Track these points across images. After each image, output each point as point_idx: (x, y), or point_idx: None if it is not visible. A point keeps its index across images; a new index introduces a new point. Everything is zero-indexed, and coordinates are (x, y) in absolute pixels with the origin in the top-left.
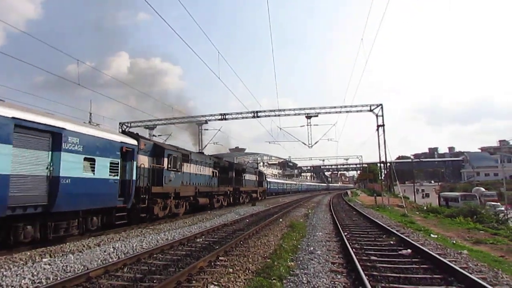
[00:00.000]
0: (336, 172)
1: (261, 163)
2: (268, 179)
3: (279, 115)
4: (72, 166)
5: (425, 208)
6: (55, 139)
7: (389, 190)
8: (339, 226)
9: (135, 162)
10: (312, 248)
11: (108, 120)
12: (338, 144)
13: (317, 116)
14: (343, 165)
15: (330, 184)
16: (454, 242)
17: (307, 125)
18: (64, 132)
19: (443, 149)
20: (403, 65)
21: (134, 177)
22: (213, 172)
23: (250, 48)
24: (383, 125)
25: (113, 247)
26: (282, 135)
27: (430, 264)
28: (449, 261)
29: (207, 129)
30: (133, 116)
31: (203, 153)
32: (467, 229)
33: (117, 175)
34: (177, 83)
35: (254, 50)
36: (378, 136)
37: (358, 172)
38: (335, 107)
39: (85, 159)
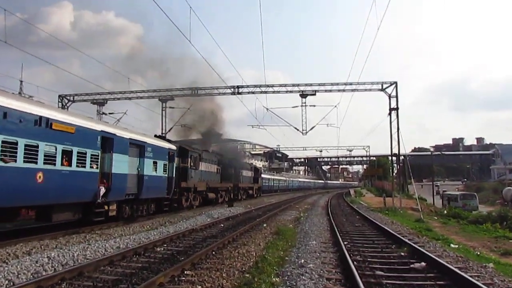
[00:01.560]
0: (337, 166)
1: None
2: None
3: (266, 92)
4: (148, 167)
5: (445, 212)
6: (141, 150)
7: (402, 189)
8: (338, 234)
9: (174, 163)
10: (303, 261)
11: (44, 91)
12: (339, 131)
13: (314, 94)
14: (346, 157)
15: (329, 181)
16: (478, 253)
17: (302, 105)
18: (146, 145)
19: (469, 140)
20: (422, 34)
21: (174, 175)
22: (217, 169)
23: (232, 5)
24: (397, 109)
25: (47, 257)
26: (269, 117)
27: (448, 280)
28: (471, 276)
29: (172, 107)
30: (77, 87)
31: (208, 151)
32: (494, 238)
33: (166, 173)
34: (136, 46)
35: (237, 8)
36: (391, 122)
37: (364, 166)
38: (337, 84)
39: (153, 162)
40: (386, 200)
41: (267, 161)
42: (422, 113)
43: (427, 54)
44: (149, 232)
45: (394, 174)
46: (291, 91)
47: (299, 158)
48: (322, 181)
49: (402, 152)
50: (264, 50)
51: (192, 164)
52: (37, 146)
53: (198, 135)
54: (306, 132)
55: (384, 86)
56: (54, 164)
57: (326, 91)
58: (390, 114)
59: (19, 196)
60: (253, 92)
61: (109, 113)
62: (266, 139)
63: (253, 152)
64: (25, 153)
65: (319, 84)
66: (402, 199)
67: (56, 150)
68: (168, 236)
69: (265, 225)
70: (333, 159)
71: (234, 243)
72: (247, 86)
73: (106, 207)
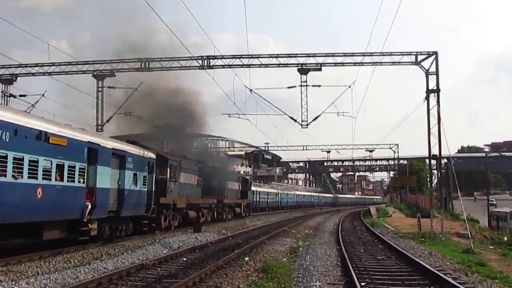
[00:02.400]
0: (352, 173)
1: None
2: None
3: (249, 66)
4: (128, 180)
5: (505, 238)
6: (122, 161)
7: (445, 207)
8: (353, 271)
9: (154, 175)
10: None
11: None
12: (355, 123)
13: (319, 69)
14: (364, 160)
15: (340, 195)
16: None
17: (301, 85)
18: (126, 155)
19: None
20: None
21: (153, 188)
22: (197, 180)
23: None
24: (438, 91)
25: None
26: (254, 103)
27: None
28: None
29: (112, 87)
30: None
31: (187, 157)
32: None
33: (146, 187)
34: None
35: None
36: (428, 110)
37: (391, 174)
38: (352, 55)
39: (133, 174)
40: (421, 222)
41: (250, 166)
42: (472, 97)
43: (478, 13)
44: (77, 270)
45: (433, 184)
46: (285, 65)
47: (297, 162)
48: (330, 195)
49: (445, 153)
50: (247, 3)
51: (171, 175)
52: (37, 161)
53: (150, 127)
54: (308, 124)
55: (420, 58)
56: (50, 179)
57: (336, 64)
58: (427, 98)
59: (23, 212)
60: (230, 66)
61: (20, 96)
62: (250, 134)
63: (230, 153)
64: (29, 169)
65: (326, 55)
66: (445, 221)
67: (51, 164)
68: (106, 275)
69: (247, 258)
70: (347, 163)
71: (201, 287)
72: (222, 57)
73: (89, 226)
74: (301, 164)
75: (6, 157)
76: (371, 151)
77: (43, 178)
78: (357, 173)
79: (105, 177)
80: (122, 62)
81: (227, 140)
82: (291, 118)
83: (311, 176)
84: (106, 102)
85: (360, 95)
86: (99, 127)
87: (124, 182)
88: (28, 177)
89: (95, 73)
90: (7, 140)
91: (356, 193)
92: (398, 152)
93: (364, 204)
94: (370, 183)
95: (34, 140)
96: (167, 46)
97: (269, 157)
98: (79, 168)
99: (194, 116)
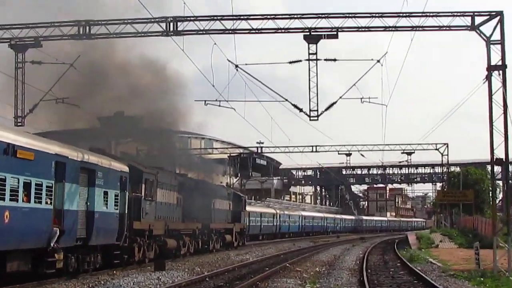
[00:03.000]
0: (382, 186)
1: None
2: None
3: (234, 31)
4: (99, 201)
5: None
6: (91, 176)
7: None
8: None
9: (126, 193)
10: None
11: None
12: (386, 113)
13: (335, 36)
14: (401, 167)
15: (365, 217)
16: None
17: (309, 60)
18: (97, 169)
19: None
20: None
21: (126, 210)
22: (177, 198)
23: None
24: (504, 67)
25: None
26: (242, 85)
27: None
28: None
29: (38, 63)
30: None
31: (167, 170)
32: None
33: (118, 209)
34: None
35: None
36: (490, 95)
37: (438, 187)
38: (381, 15)
39: (104, 193)
40: (480, 255)
41: (236, 176)
42: None
43: None
44: None
45: (497, 201)
46: (286, 30)
47: (304, 170)
48: (351, 217)
49: None
50: None
51: (146, 192)
52: (5, 180)
53: (92, 120)
54: (318, 116)
55: (478, 20)
56: (17, 201)
57: (358, 29)
58: (489, 78)
59: None
60: (206, 31)
61: None
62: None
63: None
64: None
65: (344, 15)
66: None
67: (18, 183)
68: None
69: None
70: (375, 171)
71: None
72: (195, 19)
73: (56, 256)
74: (310, 172)
75: None
76: (409, 153)
77: (10, 199)
78: (389, 186)
79: (73, 197)
80: (52, 27)
81: (202, 138)
82: (295, 106)
83: (323, 190)
84: (29, 84)
85: (393, 73)
86: (19, 120)
87: (93, 202)
88: None
89: (12, 42)
90: None
91: (388, 214)
92: (447, 155)
93: (400, 229)
94: (408, 200)
95: (2, 154)
96: (117, 4)
97: (263, 162)
98: (46, 186)
99: (161, 105)
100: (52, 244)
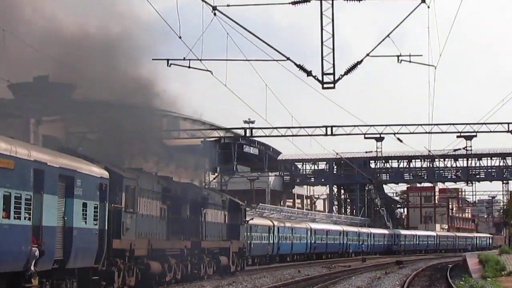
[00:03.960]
0: (429, 185)
1: None
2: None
3: None
4: (77, 215)
5: None
6: (68, 185)
7: None
8: None
9: (106, 203)
10: None
11: None
12: (435, 78)
13: None
14: (456, 158)
15: (404, 232)
16: None
17: None
18: (76, 176)
19: None
20: None
21: (109, 226)
22: (161, 209)
23: None
24: None
25: None
26: (223, 37)
27: None
28: None
29: None
30: None
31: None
32: None
33: (97, 224)
34: None
35: None
36: None
37: (510, 185)
38: None
39: (83, 204)
40: None
41: (215, 170)
42: None
43: None
44: None
45: None
46: None
47: (314, 162)
48: (384, 231)
49: None
50: None
51: (127, 203)
52: None
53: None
54: (335, 82)
55: None
56: None
57: None
58: None
59: None
60: None
61: None
62: (214, 102)
63: (175, 142)
64: None
65: None
66: None
67: None
68: None
69: None
70: (418, 163)
71: None
72: None
73: (33, 282)
74: (322, 165)
75: None
76: (468, 137)
77: None
78: (439, 185)
79: (52, 211)
80: None
81: (164, 116)
82: (301, 68)
83: (342, 192)
84: None
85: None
86: None
87: (71, 217)
88: None
89: None
90: None
91: (437, 226)
92: None
93: (455, 249)
94: (468, 206)
95: None
96: None
97: (254, 150)
98: (25, 199)
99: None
100: (32, 268)
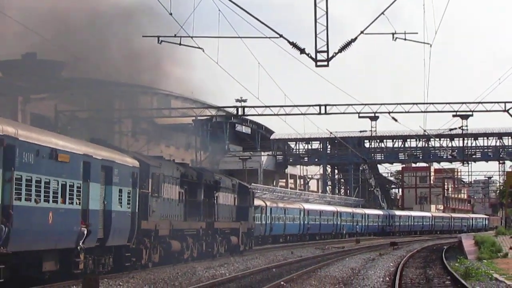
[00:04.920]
0: (424, 166)
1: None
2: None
3: None
4: (115, 199)
5: None
6: (108, 174)
7: None
8: None
9: (137, 190)
10: None
11: None
12: (430, 56)
13: None
14: (452, 137)
15: (399, 212)
16: None
17: None
18: (114, 166)
19: None
20: None
21: (138, 209)
22: (179, 193)
23: None
24: None
25: None
26: (214, 13)
27: None
28: None
29: None
30: None
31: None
32: None
33: (130, 207)
34: None
35: None
36: None
37: (507, 165)
38: None
39: (119, 191)
40: None
41: (207, 149)
42: None
43: None
44: None
45: None
46: None
47: (307, 141)
48: (378, 212)
49: None
50: None
51: (153, 188)
52: (49, 183)
53: None
54: (329, 60)
55: None
56: (57, 202)
57: None
58: None
59: (40, 239)
60: None
61: None
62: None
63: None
64: (45, 192)
65: None
66: None
67: (58, 184)
68: None
69: None
70: (413, 143)
71: None
72: None
73: (80, 257)
74: (316, 145)
75: (31, 180)
76: (464, 117)
77: (52, 201)
78: (434, 165)
79: (96, 197)
80: None
81: (155, 94)
82: (294, 45)
83: (336, 172)
84: None
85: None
86: None
87: (110, 201)
88: (44, 201)
89: None
90: (32, 162)
91: (433, 207)
92: None
93: (450, 230)
94: (463, 187)
95: (48, 159)
96: None
97: (246, 129)
98: (76, 187)
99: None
100: (80, 245)
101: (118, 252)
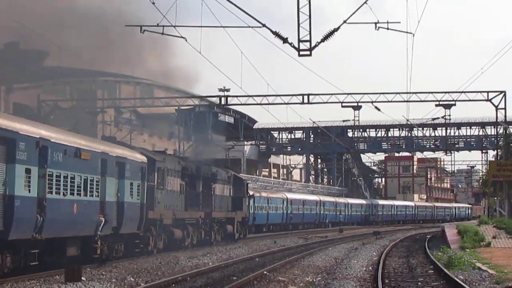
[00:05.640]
0: (408, 155)
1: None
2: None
3: None
4: (127, 192)
5: None
6: (121, 169)
7: None
8: None
9: (146, 183)
10: None
11: None
12: (413, 46)
13: None
14: (435, 126)
15: (382, 202)
16: None
17: None
18: (126, 162)
19: None
20: None
21: (146, 200)
22: (180, 185)
23: None
24: None
25: None
26: (198, 2)
27: None
28: None
29: None
30: None
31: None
32: None
33: (139, 199)
34: None
35: None
36: None
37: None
38: None
39: (130, 184)
40: None
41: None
42: None
43: None
44: None
45: None
46: None
47: (290, 131)
48: (361, 201)
49: None
50: None
51: (159, 181)
52: (74, 178)
53: None
54: (312, 49)
55: None
56: (80, 195)
57: None
58: None
59: (67, 227)
60: None
61: None
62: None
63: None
64: (71, 186)
65: None
66: None
67: (81, 179)
68: None
69: None
70: (396, 132)
71: None
72: None
73: (98, 243)
74: (299, 134)
75: (60, 176)
76: (447, 106)
77: (76, 194)
78: (418, 155)
79: (111, 190)
80: None
81: (137, 83)
82: (276, 35)
83: (319, 161)
84: None
85: None
86: None
87: (123, 194)
88: (71, 194)
89: None
90: (61, 160)
91: (416, 196)
92: (505, 108)
93: (433, 219)
94: (446, 176)
95: (73, 157)
96: None
97: (229, 119)
98: (96, 181)
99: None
100: (99, 232)
101: (129, 239)
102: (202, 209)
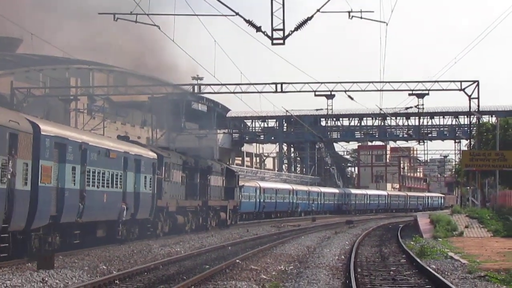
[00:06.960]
0: (381, 144)
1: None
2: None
3: None
4: (142, 184)
5: None
6: (137, 165)
7: None
8: None
9: (156, 176)
10: None
11: None
12: (386, 35)
13: None
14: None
15: (355, 191)
16: None
17: None
18: (141, 159)
19: None
20: None
21: (155, 191)
22: (182, 177)
23: None
24: None
25: None
26: None
27: None
28: None
29: None
30: None
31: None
32: None
33: (151, 190)
34: None
35: None
36: None
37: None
38: None
39: (144, 177)
40: None
41: (162, 127)
42: None
43: None
44: None
45: None
46: None
47: (263, 119)
48: (334, 190)
49: None
50: None
51: (166, 174)
52: (104, 173)
53: None
54: (285, 38)
55: None
56: (108, 187)
57: None
58: None
59: (99, 213)
60: None
61: None
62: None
63: (118, 97)
64: (102, 179)
65: None
66: None
67: (109, 174)
68: None
69: None
70: (369, 121)
71: None
72: None
73: (120, 227)
74: (272, 123)
75: (95, 172)
76: (420, 95)
77: (106, 186)
78: (390, 144)
79: (130, 182)
80: None
81: (110, 71)
82: (250, 23)
83: (292, 150)
84: None
85: None
86: None
87: (139, 185)
88: (102, 186)
89: None
90: (96, 159)
91: (389, 186)
92: (478, 98)
93: (406, 209)
94: (419, 165)
95: (104, 156)
96: None
97: (202, 107)
98: (119, 176)
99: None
100: (123, 218)
101: (142, 223)
102: (200, 198)
